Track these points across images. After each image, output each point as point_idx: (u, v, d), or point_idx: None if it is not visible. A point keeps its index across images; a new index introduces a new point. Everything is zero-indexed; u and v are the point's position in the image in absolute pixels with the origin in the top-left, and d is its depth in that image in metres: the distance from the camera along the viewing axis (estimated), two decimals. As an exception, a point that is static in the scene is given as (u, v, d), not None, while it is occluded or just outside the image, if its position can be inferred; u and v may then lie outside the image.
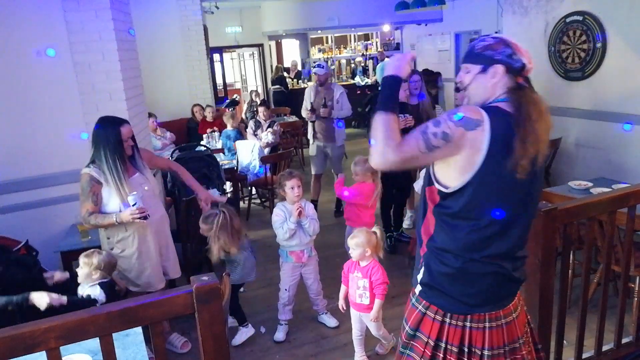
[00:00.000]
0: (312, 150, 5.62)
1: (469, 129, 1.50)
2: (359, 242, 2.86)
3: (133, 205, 2.72)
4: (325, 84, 5.36)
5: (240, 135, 6.32)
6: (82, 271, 2.64)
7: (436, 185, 1.62)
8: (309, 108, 5.39)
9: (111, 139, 2.78)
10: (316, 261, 3.46)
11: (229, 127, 6.34)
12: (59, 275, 2.74)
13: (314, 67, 5.66)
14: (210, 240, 3.09)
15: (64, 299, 2.41)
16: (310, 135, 5.58)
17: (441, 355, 1.71)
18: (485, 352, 1.71)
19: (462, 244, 1.63)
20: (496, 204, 1.57)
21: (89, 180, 2.80)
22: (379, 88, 1.76)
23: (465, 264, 1.63)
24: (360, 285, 2.90)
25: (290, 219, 3.20)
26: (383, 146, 1.51)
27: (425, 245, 1.73)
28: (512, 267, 1.69)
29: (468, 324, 1.69)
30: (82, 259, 2.66)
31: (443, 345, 1.71)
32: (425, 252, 1.73)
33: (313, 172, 5.67)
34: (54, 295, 2.39)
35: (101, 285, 2.63)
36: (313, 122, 5.42)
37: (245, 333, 3.32)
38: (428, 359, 1.72)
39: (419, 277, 1.75)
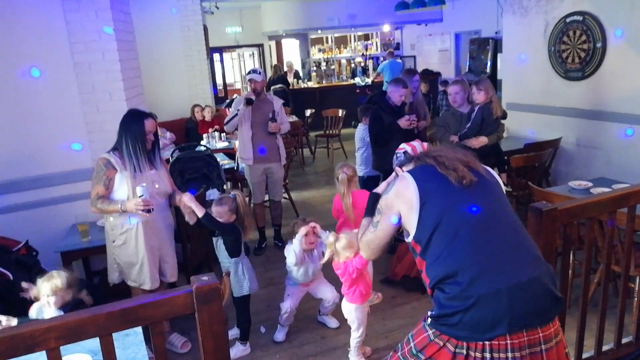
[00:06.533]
0: (252, 174, 4.71)
1: (385, 193, 1.93)
2: (346, 245, 2.83)
3: (140, 197, 2.77)
4: (262, 94, 4.60)
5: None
6: (45, 298, 2.37)
7: (408, 239, 1.80)
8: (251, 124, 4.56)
9: (134, 128, 2.89)
10: (321, 275, 3.38)
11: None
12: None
13: (249, 73, 4.65)
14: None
15: (13, 322, 2.29)
16: (245, 156, 4.64)
17: None
18: None
19: (450, 265, 1.64)
20: (449, 215, 1.71)
21: (106, 163, 2.90)
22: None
23: (463, 288, 1.61)
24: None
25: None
26: (360, 244, 2.05)
27: (429, 289, 1.75)
28: (512, 281, 1.61)
29: (488, 355, 1.60)
30: (45, 284, 2.36)
31: None
32: (433, 294, 1.73)
33: (256, 201, 4.83)
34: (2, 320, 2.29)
35: (64, 310, 2.35)
36: None
37: (240, 351, 3.19)
38: None
39: (429, 312, 1.74)
